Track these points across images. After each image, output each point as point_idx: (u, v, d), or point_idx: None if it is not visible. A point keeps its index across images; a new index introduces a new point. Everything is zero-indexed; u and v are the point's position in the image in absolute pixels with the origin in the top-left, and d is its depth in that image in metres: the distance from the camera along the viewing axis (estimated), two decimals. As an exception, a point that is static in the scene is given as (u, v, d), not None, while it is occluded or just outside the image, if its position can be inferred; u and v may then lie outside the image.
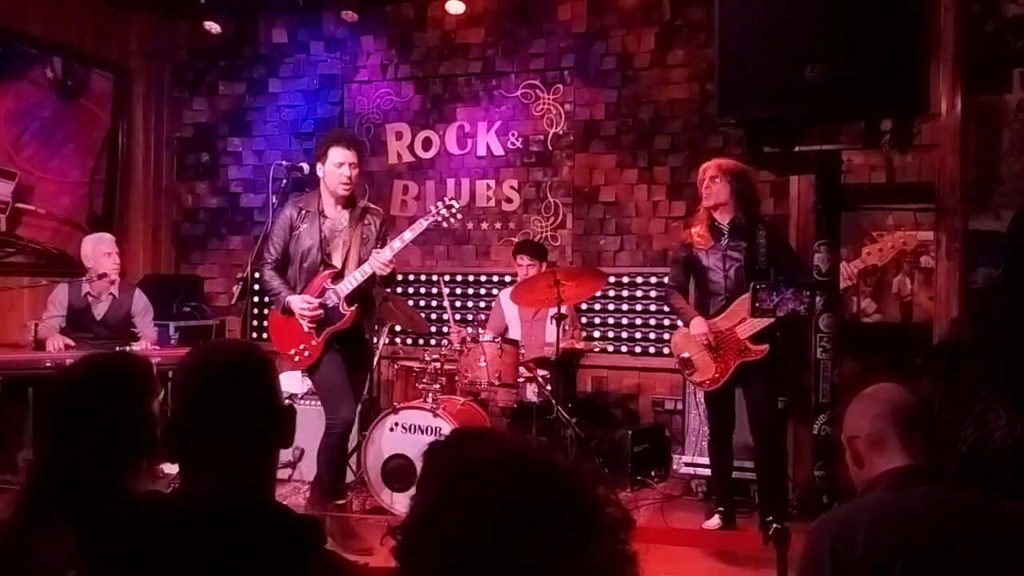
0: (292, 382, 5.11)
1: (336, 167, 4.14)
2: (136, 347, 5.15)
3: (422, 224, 4.21)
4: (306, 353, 4.18)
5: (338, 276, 4.19)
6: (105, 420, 1.70)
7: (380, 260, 4.09)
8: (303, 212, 4.23)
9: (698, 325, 4.25)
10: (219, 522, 1.35)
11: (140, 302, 5.40)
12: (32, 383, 5.15)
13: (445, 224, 4.40)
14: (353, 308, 4.15)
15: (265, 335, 6.26)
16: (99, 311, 5.29)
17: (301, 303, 4.14)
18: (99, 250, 5.23)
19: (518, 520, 0.82)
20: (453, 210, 4.29)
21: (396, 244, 4.16)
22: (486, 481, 0.86)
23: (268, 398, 1.53)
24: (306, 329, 4.15)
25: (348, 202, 4.26)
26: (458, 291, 6.21)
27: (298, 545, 1.36)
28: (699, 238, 4.33)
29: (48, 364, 4.89)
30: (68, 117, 6.25)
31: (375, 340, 4.64)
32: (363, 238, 4.23)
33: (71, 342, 5.10)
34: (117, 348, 5.07)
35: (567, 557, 0.82)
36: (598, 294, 5.71)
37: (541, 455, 0.91)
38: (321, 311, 4.14)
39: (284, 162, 4.68)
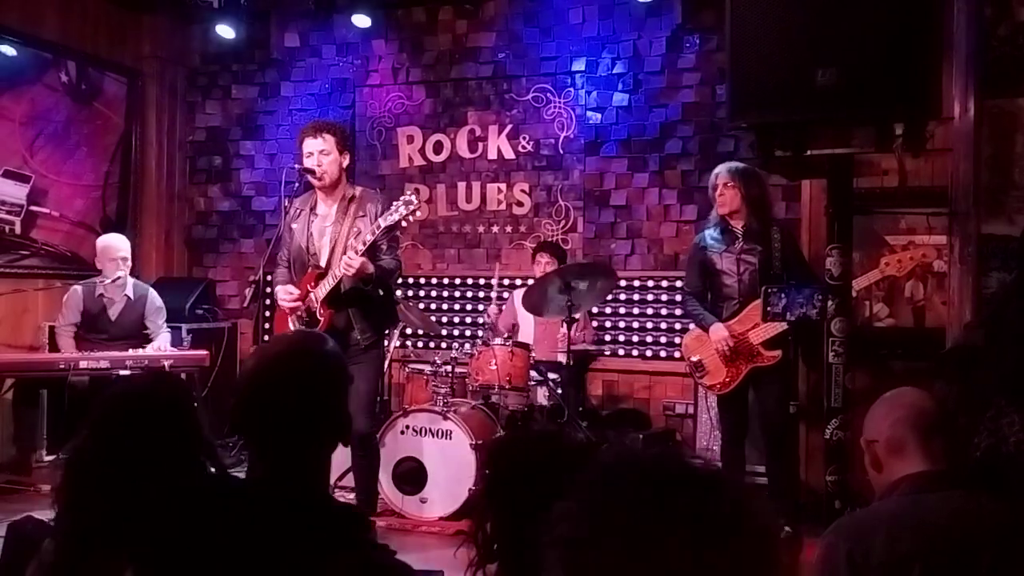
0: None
1: (306, 158, 3.96)
2: (149, 349, 5.17)
3: (380, 225, 3.81)
4: None
5: (322, 276, 3.95)
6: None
7: (346, 265, 3.77)
8: (297, 211, 4.08)
9: (718, 331, 4.22)
10: (268, 507, 1.39)
11: (153, 303, 5.42)
12: (46, 385, 5.20)
13: (405, 224, 3.89)
14: (328, 311, 3.90)
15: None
16: (114, 312, 5.32)
17: (283, 294, 4.00)
18: (105, 255, 5.29)
19: (669, 524, 0.84)
20: (412, 207, 3.77)
21: (359, 247, 3.82)
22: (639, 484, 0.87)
23: (326, 396, 1.56)
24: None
25: (335, 195, 4.01)
26: (468, 294, 6.23)
27: (344, 534, 1.40)
28: (712, 241, 4.33)
29: (61, 366, 4.92)
30: (82, 121, 6.30)
31: (381, 343, 4.35)
32: (355, 232, 3.89)
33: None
34: (131, 350, 5.11)
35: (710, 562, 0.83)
36: (609, 297, 5.72)
37: (686, 459, 0.94)
38: (299, 303, 3.96)
39: (296, 165, 4.69)
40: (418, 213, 3.84)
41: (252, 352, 1.65)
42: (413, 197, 3.83)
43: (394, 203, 3.83)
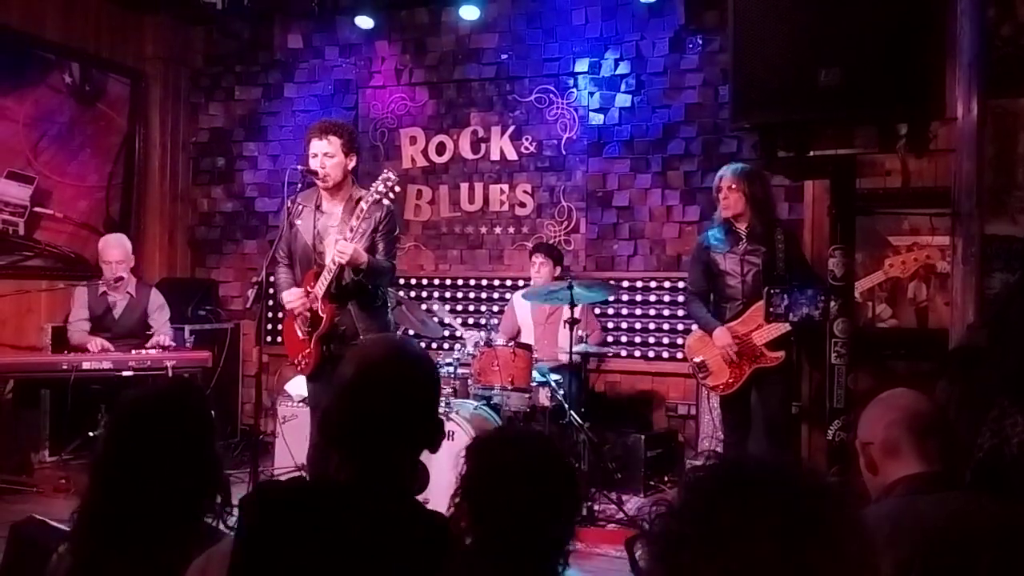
0: (301, 386, 5.11)
1: (311, 159, 3.94)
2: (151, 345, 5.19)
3: (362, 208, 3.80)
4: (305, 362, 3.96)
5: (321, 274, 3.90)
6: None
7: (339, 252, 3.74)
8: (300, 207, 4.03)
9: (722, 336, 4.22)
10: (364, 511, 1.40)
11: (156, 301, 5.46)
12: (47, 385, 5.21)
13: (386, 200, 3.86)
14: (330, 307, 3.87)
15: (279, 338, 6.31)
16: (117, 310, 5.36)
17: (288, 295, 3.95)
18: (103, 256, 5.34)
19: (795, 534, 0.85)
20: (391, 183, 3.79)
21: (348, 233, 3.81)
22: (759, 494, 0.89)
23: (425, 403, 1.59)
24: (301, 336, 3.96)
25: (342, 195, 3.99)
26: (471, 295, 6.23)
27: (437, 538, 1.43)
28: (716, 242, 4.33)
29: (64, 367, 4.93)
30: (85, 122, 6.31)
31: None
32: (358, 233, 3.83)
33: (109, 345, 5.13)
34: (134, 351, 5.12)
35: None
36: (611, 298, 5.71)
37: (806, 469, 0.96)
38: (305, 301, 3.91)
39: (299, 166, 4.68)
40: (397, 188, 3.83)
41: (348, 357, 1.64)
42: (391, 174, 3.81)
43: (372, 184, 3.82)
